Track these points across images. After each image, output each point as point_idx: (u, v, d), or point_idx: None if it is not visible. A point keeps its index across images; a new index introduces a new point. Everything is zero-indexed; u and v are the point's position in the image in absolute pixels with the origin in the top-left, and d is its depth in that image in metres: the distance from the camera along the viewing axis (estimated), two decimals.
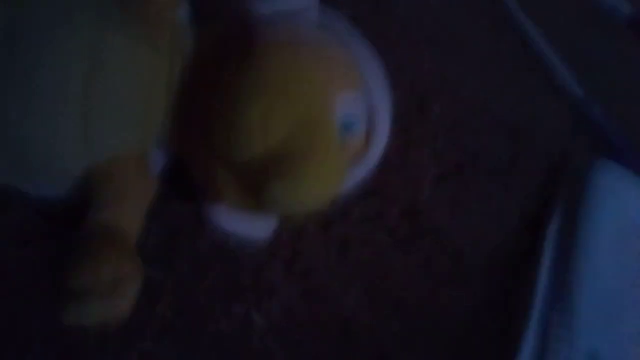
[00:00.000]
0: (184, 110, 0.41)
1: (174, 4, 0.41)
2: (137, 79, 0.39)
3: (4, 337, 0.43)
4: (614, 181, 0.52)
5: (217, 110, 0.39)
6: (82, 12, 0.37)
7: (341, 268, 0.48)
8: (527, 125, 0.57)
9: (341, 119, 0.40)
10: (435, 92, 0.56)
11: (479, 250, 0.51)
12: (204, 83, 0.41)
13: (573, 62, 0.59)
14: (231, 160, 0.39)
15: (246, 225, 0.42)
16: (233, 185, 0.39)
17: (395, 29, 0.57)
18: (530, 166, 0.55)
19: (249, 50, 0.39)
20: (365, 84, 0.43)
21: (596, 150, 0.56)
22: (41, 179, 0.39)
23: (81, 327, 0.37)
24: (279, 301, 0.46)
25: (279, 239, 0.45)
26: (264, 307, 0.46)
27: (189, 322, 0.45)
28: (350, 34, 0.45)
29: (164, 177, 0.44)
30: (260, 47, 0.39)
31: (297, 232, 0.47)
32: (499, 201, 0.53)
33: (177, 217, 0.46)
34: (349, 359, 0.45)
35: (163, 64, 0.41)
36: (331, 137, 0.39)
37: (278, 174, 0.35)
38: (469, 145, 0.55)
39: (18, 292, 0.44)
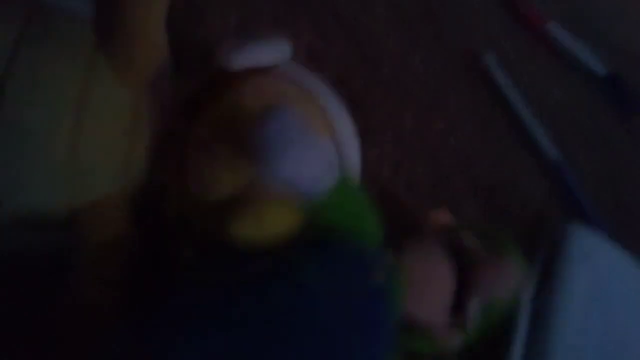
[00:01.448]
0: (163, 154, 0.43)
1: (157, 61, 0.42)
2: (121, 123, 0.40)
3: None
4: (587, 247, 0.54)
5: (191, 154, 0.41)
6: (68, 61, 0.38)
7: None
8: (503, 187, 0.59)
9: None
10: (414, 152, 0.58)
11: None
12: (184, 128, 0.43)
13: (549, 124, 0.62)
14: (200, 200, 0.41)
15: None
16: (199, 217, 0.42)
17: (378, 90, 0.59)
18: (507, 226, 0.57)
19: (226, 97, 0.42)
20: (335, 135, 0.45)
21: (570, 214, 0.58)
22: (28, 225, 0.40)
23: None
24: None
25: None
26: None
27: None
28: (320, 89, 0.47)
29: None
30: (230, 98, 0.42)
31: None
32: None
33: None
34: None
35: (143, 108, 0.42)
36: None
37: (240, 214, 0.39)
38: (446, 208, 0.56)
39: None
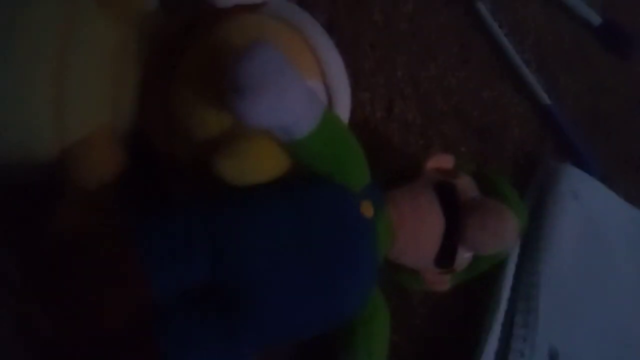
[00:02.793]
0: (150, 92, 0.44)
1: None
2: (106, 60, 0.41)
3: None
4: (577, 186, 0.54)
5: (180, 91, 0.42)
6: None
7: None
8: (495, 130, 0.59)
9: None
10: (407, 96, 0.58)
11: None
12: (170, 66, 0.43)
13: (541, 68, 0.62)
14: (189, 136, 0.42)
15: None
16: (190, 156, 0.43)
17: (369, 35, 0.58)
18: (498, 170, 0.58)
19: (211, 34, 0.41)
20: (325, 74, 0.45)
21: (561, 155, 0.59)
22: (16, 162, 0.41)
23: None
24: None
25: None
26: None
27: None
28: (313, 27, 0.46)
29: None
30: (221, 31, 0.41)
31: None
32: None
33: None
34: None
35: (130, 46, 0.42)
36: None
37: (226, 153, 0.40)
38: (438, 149, 0.57)
39: None
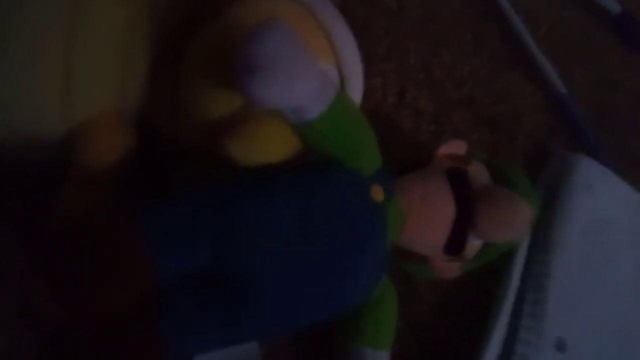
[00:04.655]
0: (159, 74, 0.43)
1: None
2: (115, 38, 0.40)
3: None
4: (590, 177, 0.54)
5: (189, 72, 0.41)
6: None
7: None
8: (507, 119, 0.58)
9: None
10: (419, 83, 0.57)
11: None
12: (179, 48, 0.42)
13: (557, 58, 0.61)
14: (198, 119, 0.41)
15: None
16: (197, 140, 0.43)
17: (382, 20, 0.58)
18: (509, 160, 0.57)
19: (222, 14, 0.41)
20: (338, 55, 0.44)
21: (574, 147, 0.58)
22: (24, 141, 0.40)
23: None
24: None
25: None
26: None
27: None
28: (326, 8, 0.45)
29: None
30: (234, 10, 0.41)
31: None
32: None
33: None
34: None
35: (140, 25, 0.42)
36: None
37: (235, 133, 0.39)
38: (449, 138, 0.56)
39: None
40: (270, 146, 0.40)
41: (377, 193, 0.41)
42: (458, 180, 0.43)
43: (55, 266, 0.36)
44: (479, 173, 0.44)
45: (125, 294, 0.37)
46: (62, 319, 0.36)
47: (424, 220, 0.42)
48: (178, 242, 0.37)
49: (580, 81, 0.62)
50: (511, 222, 0.42)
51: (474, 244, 0.44)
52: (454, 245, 0.43)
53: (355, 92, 0.46)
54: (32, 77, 0.38)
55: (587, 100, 0.61)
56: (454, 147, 0.47)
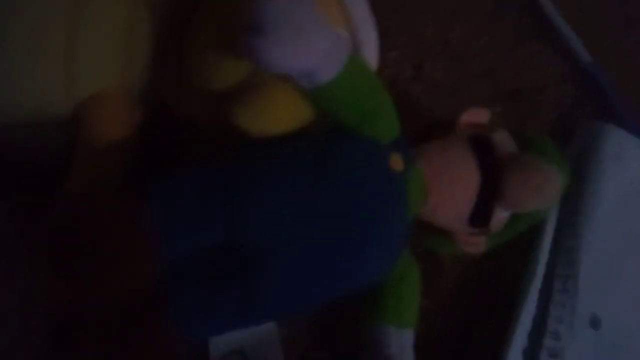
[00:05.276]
0: (164, 47, 0.42)
1: None
2: (120, 14, 0.39)
3: None
4: (619, 147, 0.51)
5: (194, 39, 0.40)
6: None
7: None
8: (530, 91, 0.56)
9: None
10: (436, 56, 0.55)
11: None
12: (184, 19, 0.41)
13: (580, 26, 0.58)
14: (205, 89, 0.40)
15: None
16: (206, 113, 0.41)
17: None
18: (535, 132, 0.54)
19: None
20: (350, 20, 0.42)
21: (601, 116, 0.55)
22: (30, 117, 0.39)
23: None
24: None
25: None
26: None
27: None
28: None
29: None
30: None
31: None
32: None
33: None
34: None
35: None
36: None
37: (244, 101, 0.38)
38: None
39: None
40: (280, 114, 0.39)
41: (397, 162, 0.39)
42: (482, 148, 0.41)
43: (59, 242, 0.35)
44: (504, 140, 0.42)
45: (132, 272, 0.35)
46: (68, 298, 0.35)
47: (448, 191, 0.40)
48: (187, 221, 0.35)
49: (606, 49, 0.59)
50: (541, 189, 0.39)
51: (500, 215, 0.41)
52: (480, 216, 0.41)
53: (370, 58, 0.44)
54: (35, 54, 0.37)
55: (613, 69, 0.58)
56: (476, 116, 0.44)
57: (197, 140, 0.44)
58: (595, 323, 0.45)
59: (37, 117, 0.39)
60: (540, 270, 0.46)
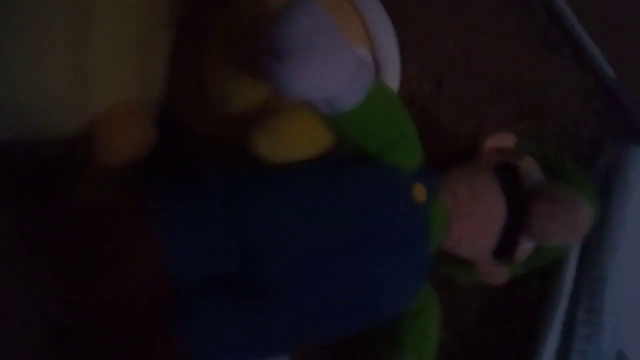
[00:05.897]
0: (181, 63, 0.40)
1: None
2: (133, 28, 0.38)
3: None
4: None
5: (213, 59, 0.38)
6: None
7: None
8: (553, 108, 0.54)
9: None
10: (457, 71, 0.53)
11: None
12: (202, 35, 0.39)
13: (605, 41, 0.56)
14: (223, 112, 0.38)
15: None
16: (225, 135, 0.40)
17: (417, 3, 0.53)
18: (557, 152, 0.52)
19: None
20: (372, 37, 0.41)
21: (626, 137, 0.53)
22: (38, 132, 0.38)
23: None
24: None
25: None
26: None
27: None
28: None
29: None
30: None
31: None
32: None
33: None
34: None
35: (159, 14, 0.39)
36: None
37: (263, 128, 0.36)
38: (493, 129, 0.52)
39: None
40: (299, 141, 0.37)
41: (420, 193, 0.37)
42: (508, 178, 0.39)
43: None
44: (530, 168, 0.40)
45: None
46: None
47: (473, 222, 0.38)
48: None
49: (631, 66, 0.57)
50: (572, 224, 0.38)
51: (525, 247, 0.39)
52: (505, 249, 0.39)
53: (392, 81, 0.42)
54: (45, 73, 0.35)
55: (637, 86, 0.56)
56: (502, 140, 0.42)
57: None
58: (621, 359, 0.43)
59: (47, 133, 0.38)
60: (564, 301, 0.44)
